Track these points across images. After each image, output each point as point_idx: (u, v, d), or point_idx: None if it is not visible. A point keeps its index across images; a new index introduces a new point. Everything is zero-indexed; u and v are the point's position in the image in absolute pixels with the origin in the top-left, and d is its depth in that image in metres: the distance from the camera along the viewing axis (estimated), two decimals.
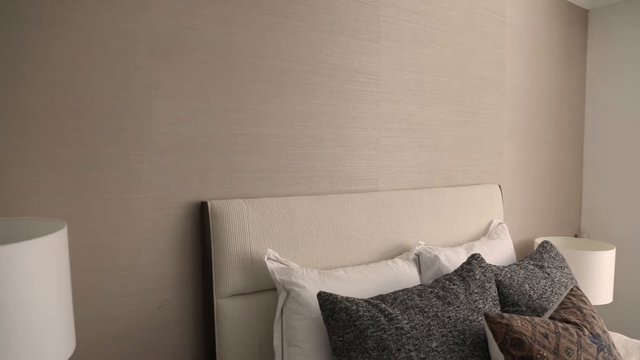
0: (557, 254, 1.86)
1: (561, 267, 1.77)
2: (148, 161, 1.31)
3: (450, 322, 1.24)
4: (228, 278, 1.35)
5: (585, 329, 1.26)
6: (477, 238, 2.08)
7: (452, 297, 1.32)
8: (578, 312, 1.33)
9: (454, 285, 1.37)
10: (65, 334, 0.90)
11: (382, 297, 1.28)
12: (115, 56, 1.25)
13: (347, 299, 1.22)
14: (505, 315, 1.20)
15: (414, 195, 1.85)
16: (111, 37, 1.24)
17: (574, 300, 1.40)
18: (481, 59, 2.24)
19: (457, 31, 2.12)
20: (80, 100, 1.21)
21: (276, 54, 1.54)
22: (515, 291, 1.54)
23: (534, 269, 1.69)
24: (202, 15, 1.38)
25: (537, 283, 1.61)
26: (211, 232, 1.35)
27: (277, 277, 1.33)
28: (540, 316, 1.51)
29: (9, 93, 1.11)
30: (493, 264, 1.82)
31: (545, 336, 1.17)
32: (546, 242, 1.93)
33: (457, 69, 2.13)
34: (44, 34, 1.15)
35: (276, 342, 1.31)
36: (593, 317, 1.34)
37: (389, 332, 1.16)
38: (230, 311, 1.35)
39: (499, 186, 2.28)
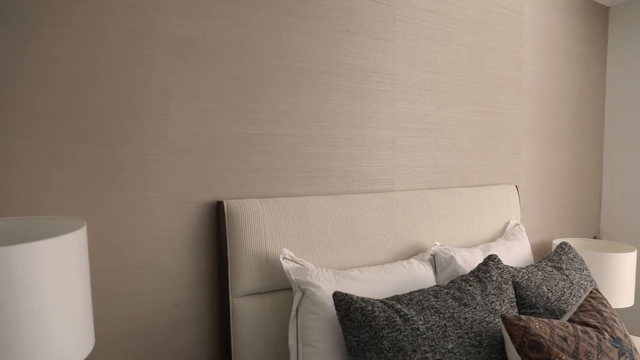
0: (576, 255, 1.83)
1: (580, 269, 1.74)
2: (165, 161, 1.32)
3: (467, 323, 1.23)
4: (244, 277, 1.36)
5: (605, 333, 1.24)
6: (493, 239, 2.06)
7: (469, 298, 1.30)
8: (598, 315, 1.31)
9: (470, 286, 1.35)
10: (84, 330, 0.91)
11: (397, 298, 1.28)
12: (134, 57, 1.27)
13: (362, 299, 1.22)
14: (523, 317, 1.19)
15: (429, 196, 1.84)
16: (129, 39, 1.26)
17: (594, 303, 1.37)
18: (498, 58, 2.22)
19: (474, 30, 2.10)
20: (100, 101, 1.22)
21: (292, 54, 1.54)
22: (533, 293, 1.52)
23: (552, 271, 1.67)
24: (218, 16, 1.39)
25: (555, 285, 1.58)
26: (227, 231, 1.36)
27: (293, 276, 1.33)
28: (558, 319, 1.49)
29: (32, 95, 1.14)
30: (510, 265, 1.80)
31: (564, 339, 1.15)
32: (564, 243, 1.90)
33: (473, 68, 2.11)
34: (65, 37, 1.17)
35: (291, 341, 1.31)
36: (614, 320, 1.32)
37: (405, 333, 1.15)
38: (246, 310, 1.36)
39: (516, 186, 2.25)
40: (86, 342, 0.91)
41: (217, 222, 1.41)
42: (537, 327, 1.16)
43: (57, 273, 0.83)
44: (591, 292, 1.45)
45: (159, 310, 1.34)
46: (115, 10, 1.24)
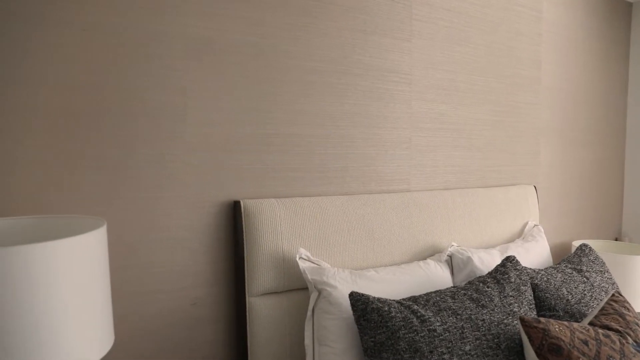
0: (597, 257, 1.79)
1: (601, 271, 1.71)
2: (182, 161, 1.34)
3: (484, 325, 1.21)
4: (260, 277, 1.36)
5: (628, 337, 1.21)
6: (511, 240, 2.03)
7: (486, 299, 1.29)
8: (620, 319, 1.28)
9: (488, 287, 1.34)
10: (104, 328, 0.92)
11: (414, 299, 1.27)
12: (151, 58, 1.28)
13: (379, 299, 1.21)
14: (542, 319, 1.17)
15: (446, 196, 1.82)
16: (147, 40, 1.27)
17: (616, 307, 1.35)
18: (516, 56, 2.19)
19: (492, 29, 2.07)
20: (118, 102, 1.24)
21: (308, 54, 1.54)
22: (552, 295, 1.49)
23: (572, 273, 1.64)
24: (234, 16, 1.40)
25: (575, 287, 1.56)
26: (244, 231, 1.37)
27: (309, 276, 1.33)
28: (578, 322, 1.46)
29: (51, 96, 1.16)
30: (528, 266, 1.77)
31: (585, 343, 1.13)
32: (585, 245, 1.86)
33: (491, 67, 2.08)
34: (84, 39, 1.19)
35: (307, 341, 1.31)
36: (637, 324, 1.29)
37: (422, 334, 1.14)
38: (262, 310, 1.36)
39: (535, 187, 2.22)
40: (105, 340, 0.93)
41: (233, 221, 1.42)
42: (556, 330, 1.14)
43: (78, 271, 0.84)
44: (613, 295, 1.42)
45: (176, 308, 1.35)
46: (131, 12, 1.25)
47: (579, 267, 1.70)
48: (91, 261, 0.88)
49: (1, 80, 1.10)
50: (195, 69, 1.34)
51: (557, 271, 1.63)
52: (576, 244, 2.35)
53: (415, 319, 1.17)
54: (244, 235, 1.37)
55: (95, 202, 1.22)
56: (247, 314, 1.37)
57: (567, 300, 1.50)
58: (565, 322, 1.19)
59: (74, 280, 0.83)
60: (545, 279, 1.54)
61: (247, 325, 1.37)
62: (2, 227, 1.00)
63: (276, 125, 1.49)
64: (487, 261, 1.65)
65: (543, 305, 1.48)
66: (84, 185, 1.20)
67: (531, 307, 1.38)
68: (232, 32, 1.40)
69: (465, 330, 1.18)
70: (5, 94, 1.10)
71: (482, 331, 1.20)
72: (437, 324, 1.17)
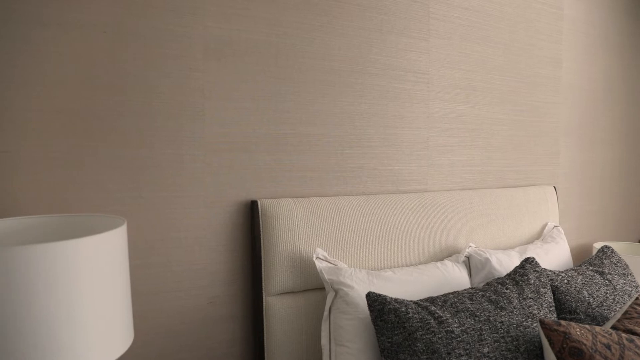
0: (619, 260, 1.76)
1: (624, 274, 1.67)
2: (200, 160, 1.35)
3: (503, 327, 1.20)
4: (277, 276, 1.37)
5: None
6: (530, 241, 2.00)
7: (505, 301, 1.27)
8: None
9: (506, 289, 1.32)
10: (124, 325, 0.94)
11: (431, 300, 1.26)
12: (172, 59, 1.30)
13: (396, 300, 1.21)
14: (563, 322, 1.15)
15: (464, 196, 1.81)
16: (166, 41, 1.29)
17: None
18: (536, 55, 2.16)
19: (511, 27, 2.05)
20: (139, 102, 1.26)
21: (325, 54, 1.54)
22: (573, 298, 1.47)
23: (594, 275, 1.61)
24: (253, 17, 1.41)
25: (597, 290, 1.53)
26: (261, 230, 1.37)
27: (326, 276, 1.33)
28: (600, 325, 1.43)
29: (71, 96, 1.18)
30: (548, 268, 1.75)
31: (608, 347, 1.11)
32: (606, 247, 1.83)
33: (510, 66, 2.05)
34: (104, 40, 1.21)
35: (324, 341, 1.31)
36: None
37: (439, 335, 1.13)
38: (279, 309, 1.37)
39: (554, 187, 2.18)
40: (125, 337, 0.94)
41: (251, 221, 1.42)
42: (578, 333, 1.12)
43: (98, 269, 0.86)
44: (637, 298, 1.39)
45: (194, 307, 1.36)
46: (151, 13, 1.27)
47: (601, 269, 1.66)
48: (111, 259, 0.89)
49: (30, 83, 1.12)
50: (214, 70, 1.36)
51: (578, 273, 1.60)
52: (597, 245, 2.31)
53: (432, 320, 1.16)
54: (261, 234, 1.37)
55: (115, 201, 1.24)
56: (264, 313, 1.38)
57: (589, 303, 1.47)
58: (587, 326, 1.17)
59: (94, 278, 0.85)
60: (565, 281, 1.52)
61: (264, 324, 1.38)
62: (23, 225, 1.02)
63: (294, 125, 1.49)
64: (505, 262, 1.63)
65: (563, 308, 1.46)
66: (104, 185, 1.22)
67: (551, 309, 1.36)
68: (251, 33, 1.41)
69: (484, 332, 1.17)
70: (29, 95, 1.13)
71: (501, 333, 1.19)
72: (455, 325, 1.16)
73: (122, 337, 0.92)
